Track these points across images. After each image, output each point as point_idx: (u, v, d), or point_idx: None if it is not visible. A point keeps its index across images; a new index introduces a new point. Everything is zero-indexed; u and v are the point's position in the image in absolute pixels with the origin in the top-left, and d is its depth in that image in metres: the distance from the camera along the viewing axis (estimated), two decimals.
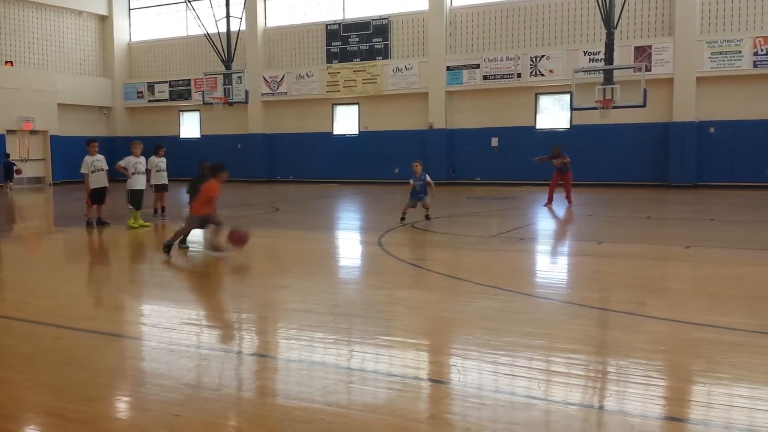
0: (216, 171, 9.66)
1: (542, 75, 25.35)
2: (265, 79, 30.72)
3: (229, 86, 27.25)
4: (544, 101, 26.51)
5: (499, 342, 5.40)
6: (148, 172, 14.94)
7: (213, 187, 9.49)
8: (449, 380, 4.73)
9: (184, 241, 10.57)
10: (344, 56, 29.24)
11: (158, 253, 10.17)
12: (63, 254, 11.54)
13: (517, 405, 4.14)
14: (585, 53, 24.44)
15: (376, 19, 28.57)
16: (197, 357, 5.23)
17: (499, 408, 4.08)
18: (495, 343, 5.39)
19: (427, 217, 13.57)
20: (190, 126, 34.00)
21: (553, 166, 17.03)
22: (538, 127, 26.33)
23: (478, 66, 26.45)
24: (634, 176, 24.39)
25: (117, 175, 13.91)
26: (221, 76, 27.91)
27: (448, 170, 27.09)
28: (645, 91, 20.46)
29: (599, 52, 22.77)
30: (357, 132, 29.78)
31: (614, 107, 20.73)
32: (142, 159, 13.85)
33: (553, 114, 26.37)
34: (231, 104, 27.64)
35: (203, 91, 28.80)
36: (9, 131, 29.00)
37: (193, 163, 32.93)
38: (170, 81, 33.39)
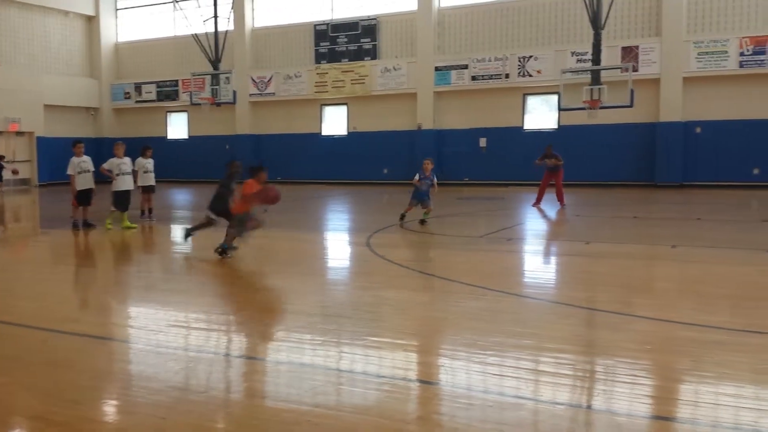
0: (255, 171, 9.81)
1: (530, 75, 25.42)
2: (253, 80, 30.63)
3: (217, 87, 27.14)
4: (532, 102, 26.59)
5: (486, 342, 5.42)
6: (135, 173, 14.87)
7: (252, 187, 9.60)
8: (438, 381, 4.74)
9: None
10: (332, 57, 29.20)
11: (145, 254, 10.11)
12: (49, 256, 11.45)
13: (505, 405, 4.15)
14: (573, 54, 24.53)
15: (364, 20, 28.55)
16: (184, 359, 5.21)
17: (487, 408, 4.09)
18: (483, 343, 5.40)
19: (422, 222, 13.42)
20: (177, 127, 33.85)
21: (546, 166, 17.03)
22: (526, 127, 26.39)
23: (466, 66, 26.49)
24: (621, 176, 24.50)
25: (103, 177, 13.80)
26: (209, 77, 27.79)
27: (437, 171, 27.05)
28: (632, 91, 20.55)
29: (587, 52, 22.87)
30: (346, 132, 29.75)
31: (601, 107, 20.80)
32: (126, 160, 13.70)
33: (541, 114, 26.44)
34: (219, 105, 27.53)
35: (191, 92, 28.66)
36: None
37: (182, 164, 32.88)
38: (157, 81, 33.22)
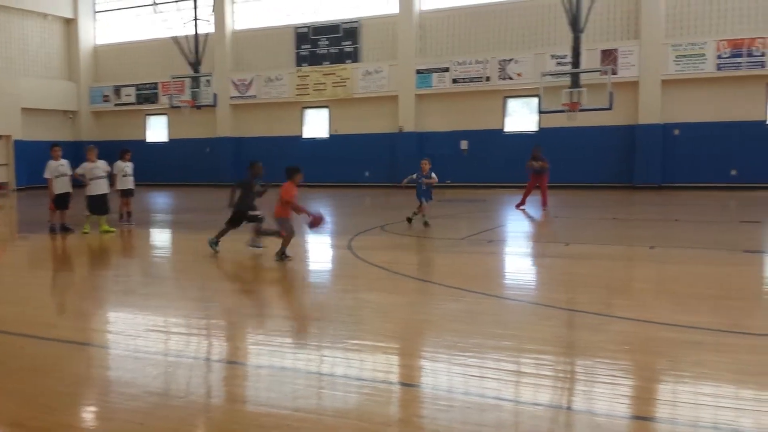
0: (292, 173, 9.98)
1: (510, 78, 25.55)
2: (234, 83, 30.49)
3: (197, 89, 26.98)
4: (513, 104, 26.72)
5: (467, 344, 5.42)
6: (113, 176, 14.75)
7: (291, 190, 9.77)
8: (418, 383, 4.73)
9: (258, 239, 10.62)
10: (314, 59, 29.16)
11: (124, 258, 10.02)
12: (26, 261, 11.30)
13: (486, 406, 4.15)
14: (552, 57, 24.68)
15: (345, 23, 28.54)
16: (163, 364, 5.16)
17: (467, 410, 4.09)
18: (463, 345, 5.41)
19: (420, 223, 13.37)
20: (157, 130, 33.62)
21: (532, 168, 17.00)
22: (506, 130, 26.52)
23: (447, 69, 26.56)
24: (601, 178, 24.68)
25: (79, 181, 13.63)
26: (189, 80, 27.63)
27: (416, 172, 27.07)
28: (611, 94, 20.72)
29: (566, 55, 23.00)
30: (327, 135, 29.71)
31: (581, 110, 20.94)
32: (99, 164, 13.48)
33: (522, 117, 26.58)
34: (199, 108, 27.36)
35: (170, 95, 28.45)
36: None
37: (161, 168, 32.60)
38: (137, 84, 32.96)
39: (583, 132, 24.24)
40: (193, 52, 26.88)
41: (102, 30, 34.54)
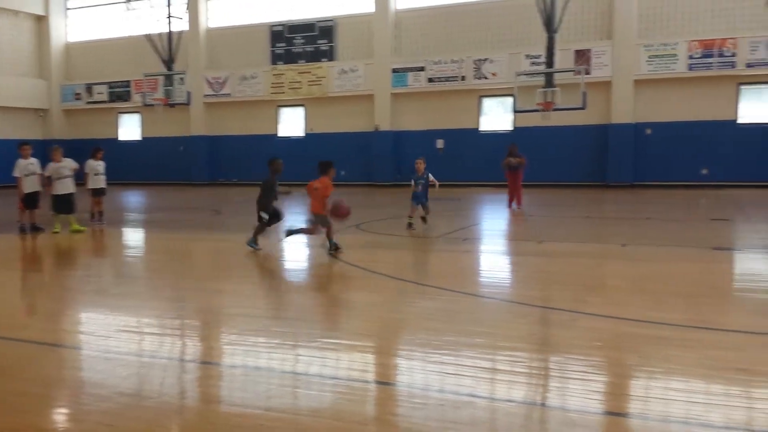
0: (326, 168, 10.11)
1: (486, 78, 25.70)
2: (208, 81, 30.28)
3: (171, 87, 26.72)
4: (488, 104, 26.87)
5: (441, 342, 5.44)
6: (85, 175, 14.58)
7: (326, 185, 9.93)
8: (393, 381, 4.74)
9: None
10: (289, 58, 29.05)
11: (95, 258, 9.88)
12: None
13: (460, 404, 4.16)
14: (527, 56, 24.86)
15: (321, 21, 28.48)
16: (134, 365, 5.10)
17: (442, 407, 4.10)
18: (437, 342, 5.42)
19: (424, 219, 12.94)
20: (129, 128, 33.26)
21: (509, 165, 17.04)
22: (481, 129, 26.66)
23: (423, 69, 26.63)
24: (574, 177, 24.93)
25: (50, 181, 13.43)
26: (162, 78, 27.36)
27: (394, 172, 27.17)
28: (584, 93, 20.93)
29: (541, 55, 23.18)
30: (303, 134, 29.62)
31: (555, 110, 21.13)
32: (65, 162, 13.29)
33: (497, 116, 26.75)
34: (172, 106, 27.10)
35: (143, 93, 28.19)
36: None
37: (134, 167, 32.25)
38: (109, 82, 32.59)
39: (557, 131, 24.47)
40: (167, 49, 26.62)
41: (74, 27, 34.10)
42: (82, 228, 13.26)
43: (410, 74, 26.91)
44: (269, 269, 9.60)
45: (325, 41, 28.50)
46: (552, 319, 6.37)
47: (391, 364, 5.18)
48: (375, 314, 6.74)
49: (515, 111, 23.19)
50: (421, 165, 13.22)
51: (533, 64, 24.39)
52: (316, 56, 28.60)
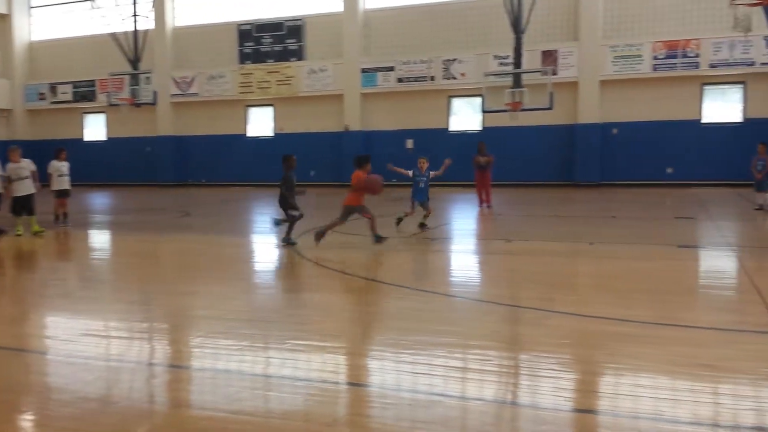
0: (362, 162, 10.42)
1: (454, 78, 25.80)
2: (175, 80, 29.92)
3: (137, 87, 26.36)
4: (457, 104, 26.99)
5: (410, 341, 5.42)
6: (49, 176, 14.32)
7: (362, 178, 10.22)
8: (363, 382, 4.71)
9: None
10: (257, 57, 28.85)
11: (60, 261, 9.70)
12: None
13: (431, 403, 4.15)
14: (495, 57, 25.02)
15: (289, 20, 28.32)
16: (97, 369, 5.00)
17: (411, 407, 4.08)
18: (406, 342, 5.40)
19: (422, 225, 12.83)
20: (95, 128, 32.73)
21: (479, 164, 17.11)
22: (451, 129, 26.77)
23: (392, 68, 26.64)
24: (543, 176, 25.16)
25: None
26: (128, 77, 26.97)
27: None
28: (552, 94, 21.13)
29: (509, 56, 23.35)
30: (272, 134, 29.44)
31: (523, 110, 21.30)
32: (24, 163, 13.00)
33: (466, 116, 26.88)
34: (138, 105, 26.74)
35: (109, 92, 27.75)
36: None
37: (99, 167, 31.71)
38: (74, 82, 32.03)
39: (525, 131, 24.67)
40: (133, 48, 26.24)
41: (38, 26, 33.44)
42: (41, 229, 12.99)
43: (380, 74, 26.91)
44: (238, 271, 9.50)
45: (293, 40, 28.36)
46: (521, 318, 6.40)
47: (362, 364, 5.15)
48: (344, 314, 6.71)
49: (484, 111, 23.33)
50: (423, 163, 13.34)
51: (501, 64, 24.56)
52: (284, 56, 28.44)
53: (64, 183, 14.62)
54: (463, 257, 10.57)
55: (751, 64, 22.47)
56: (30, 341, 5.90)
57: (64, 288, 8.49)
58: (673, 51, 23.20)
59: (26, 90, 33.03)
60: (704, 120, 23.84)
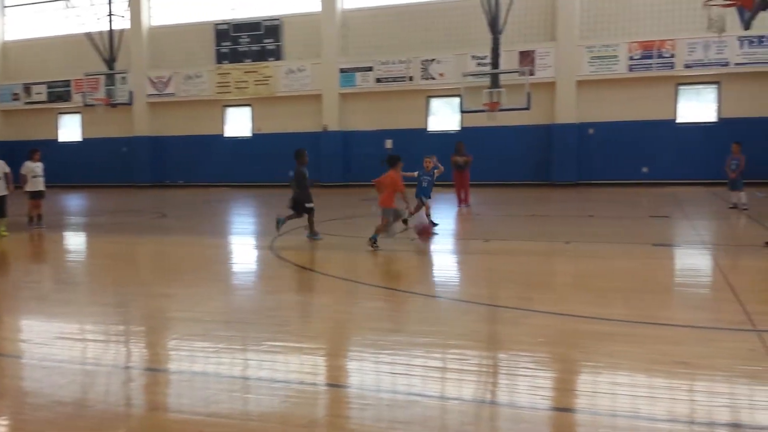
0: (394, 161, 10.58)
1: (433, 78, 25.83)
2: (151, 80, 29.63)
3: (112, 87, 26.03)
4: (436, 104, 27.03)
5: (390, 342, 5.42)
6: (23, 177, 14.10)
7: (395, 178, 10.38)
8: (341, 383, 4.69)
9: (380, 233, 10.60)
10: (235, 57, 28.66)
11: (33, 264, 9.54)
12: None
13: (409, 403, 4.14)
14: (473, 57, 25.08)
15: (267, 20, 28.17)
16: (72, 373, 4.93)
17: (389, 407, 4.07)
18: (385, 342, 5.40)
19: (405, 222, 12.58)
20: (70, 129, 32.32)
21: (457, 164, 17.13)
22: (430, 129, 26.81)
23: (371, 69, 26.61)
24: (521, 176, 25.27)
25: None
26: (104, 77, 26.65)
27: (343, 172, 27.10)
28: (529, 94, 21.23)
29: (486, 56, 23.42)
30: (250, 134, 29.28)
31: (501, 110, 21.37)
32: None
33: (445, 116, 26.93)
34: (114, 106, 26.42)
35: (84, 93, 27.40)
36: None
37: (74, 168, 31.30)
38: (48, 82, 31.58)
39: (503, 131, 24.75)
40: (108, 48, 25.95)
41: (11, 25, 32.93)
42: (4, 233, 12.79)
43: (358, 74, 26.86)
44: (215, 272, 9.42)
45: (271, 40, 28.22)
46: (499, 317, 6.42)
47: (340, 365, 5.14)
48: (323, 316, 6.68)
49: (462, 111, 23.38)
50: (429, 163, 13.39)
51: (479, 64, 24.63)
52: (262, 55, 28.29)
53: (38, 184, 14.41)
54: (442, 257, 10.58)
55: (726, 64, 22.76)
56: (3, 344, 5.80)
57: (38, 290, 8.37)
58: (649, 51, 23.43)
59: (0, 90, 32.52)
60: (679, 120, 24.10)
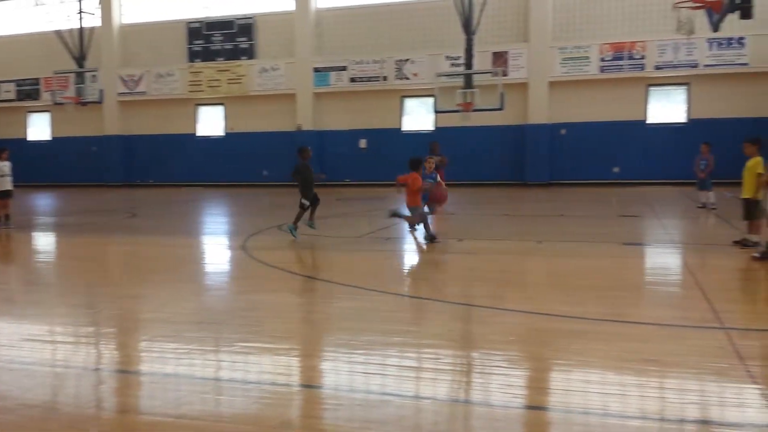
0: (416, 164, 11.12)
1: (407, 78, 25.88)
2: (123, 78, 29.28)
3: (82, 85, 25.70)
4: (410, 104, 27.08)
5: (360, 341, 5.41)
6: None
7: (417, 179, 10.90)
8: (314, 383, 4.67)
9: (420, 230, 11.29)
10: (207, 55, 28.44)
11: (4, 264, 9.34)
12: None
13: (383, 402, 4.14)
14: (447, 58, 25.18)
15: (240, 18, 28.00)
16: (41, 375, 4.84)
17: (363, 407, 4.07)
18: (356, 342, 5.39)
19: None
20: (39, 128, 31.82)
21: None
22: (404, 129, 26.85)
23: (345, 68, 26.58)
24: (494, 176, 25.42)
25: None
26: (73, 75, 26.27)
27: (317, 172, 26.96)
28: (502, 95, 21.39)
29: (460, 57, 23.55)
30: (223, 133, 29.07)
31: (474, 110, 21.51)
32: None
33: (419, 116, 26.99)
34: (84, 104, 26.09)
35: (53, 91, 26.99)
36: None
37: (44, 168, 30.84)
38: (17, 80, 31.06)
39: (477, 131, 24.89)
40: (78, 46, 25.59)
41: None
42: None
43: (332, 74, 26.82)
44: (186, 273, 9.33)
45: (244, 39, 28.05)
46: (472, 316, 6.45)
47: (314, 366, 5.11)
48: (295, 316, 6.66)
49: (436, 111, 23.47)
50: (431, 163, 13.22)
51: (453, 65, 24.73)
52: (235, 54, 28.10)
53: (5, 184, 14.16)
54: (415, 256, 10.60)
55: (695, 65, 23.13)
56: None
57: (5, 292, 8.22)
58: (620, 53, 23.72)
59: None
60: (649, 120, 24.44)
